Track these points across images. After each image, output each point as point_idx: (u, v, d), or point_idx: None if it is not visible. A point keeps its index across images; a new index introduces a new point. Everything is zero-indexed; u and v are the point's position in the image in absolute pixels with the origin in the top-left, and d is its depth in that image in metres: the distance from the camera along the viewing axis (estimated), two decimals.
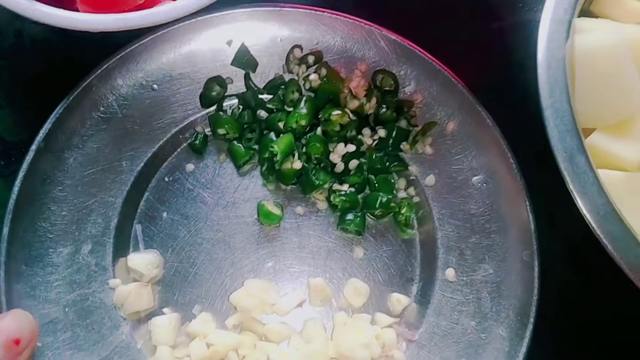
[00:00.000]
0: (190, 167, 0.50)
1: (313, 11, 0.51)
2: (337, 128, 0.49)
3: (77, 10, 0.45)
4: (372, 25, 0.51)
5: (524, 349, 0.45)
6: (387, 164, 0.50)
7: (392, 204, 0.49)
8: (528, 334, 0.44)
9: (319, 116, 0.49)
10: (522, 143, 0.49)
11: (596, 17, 0.49)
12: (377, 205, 0.49)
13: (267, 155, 0.48)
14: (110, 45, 0.49)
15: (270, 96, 0.51)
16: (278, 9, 0.51)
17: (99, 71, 0.48)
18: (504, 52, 0.57)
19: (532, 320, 0.45)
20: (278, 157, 0.47)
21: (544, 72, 0.44)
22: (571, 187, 0.41)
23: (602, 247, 0.40)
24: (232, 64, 0.51)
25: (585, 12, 0.49)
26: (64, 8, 0.45)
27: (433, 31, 0.53)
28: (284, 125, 0.49)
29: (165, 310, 0.46)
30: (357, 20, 0.51)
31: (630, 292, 0.40)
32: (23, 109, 0.54)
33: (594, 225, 0.40)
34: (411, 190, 0.51)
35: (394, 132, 0.50)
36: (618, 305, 0.50)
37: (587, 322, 0.50)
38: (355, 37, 0.51)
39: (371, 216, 0.50)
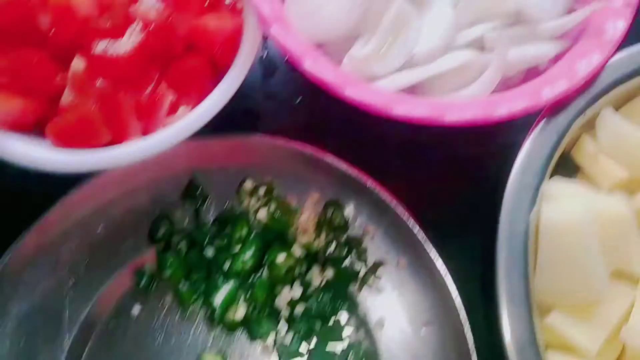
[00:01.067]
0: (135, 311, 0.48)
1: (267, 141, 0.49)
2: (283, 271, 0.47)
3: None
4: (325, 156, 0.49)
5: None
6: (336, 306, 0.47)
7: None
8: None
9: (264, 259, 0.48)
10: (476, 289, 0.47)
11: (575, 165, 0.48)
12: (321, 357, 0.46)
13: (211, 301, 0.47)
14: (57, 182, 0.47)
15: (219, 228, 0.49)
16: (231, 139, 0.50)
17: (49, 214, 0.47)
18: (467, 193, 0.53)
19: None
20: (218, 312, 0.46)
21: (503, 251, 0.42)
22: None
23: None
24: (181, 197, 0.50)
25: (565, 159, 0.48)
26: None
27: (392, 165, 0.52)
28: (229, 268, 0.47)
29: None
30: (312, 151, 0.49)
31: None
32: None
33: None
34: (360, 334, 0.48)
35: (345, 272, 0.48)
36: None
37: None
38: (309, 167, 0.50)
39: None
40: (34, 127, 0.47)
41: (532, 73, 0.50)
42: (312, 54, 0.45)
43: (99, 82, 0.46)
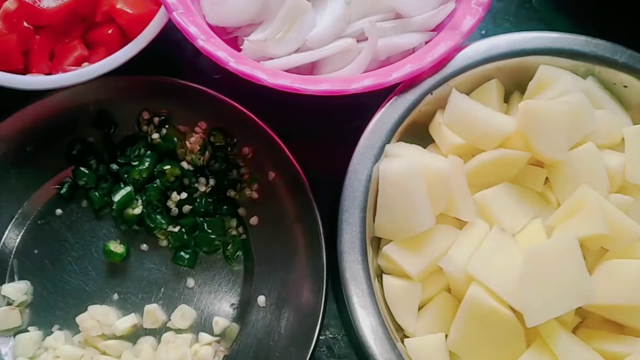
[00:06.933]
0: (58, 211, 0.61)
1: (168, 82, 0.60)
2: (172, 179, 0.60)
3: None
4: (217, 96, 0.59)
5: None
6: (217, 207, 0.60)
7: (217, 242, 0.59)
8: (309, 354, 0.53)
9: (155, 169, 0.60)
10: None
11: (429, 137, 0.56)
12: (204, 244, 0.59)
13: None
14: None
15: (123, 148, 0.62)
16: (136, 78, 0.60)
17: None
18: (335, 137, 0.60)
19: (314, 340, 0.53)
20: (115, 207, 0.58)
21: (347, 190, 0.52)
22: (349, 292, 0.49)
23: None
24: (93, 125, 0.62)
25: (421, 128, 0.56)
26: None
27: (283, 114, 0.59)
28: (128, 177, 0.60)
29: (30, 328, 0.58)
30: (206, 91, 0.59)
31: None
32: None
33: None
34: (241, 229, 0.61)
35: (224, 181, 0.60)
36: None
37: None
38: (203, 104, 0.60)
39: (202, 252, 0.60)
40: None
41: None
42: (205, 35, 0.54)
43: (24, 23, 0.58)
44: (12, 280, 0.59)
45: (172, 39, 0.62)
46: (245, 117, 0.60)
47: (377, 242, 0.54)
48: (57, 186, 0.62)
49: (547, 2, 0.73)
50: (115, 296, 0.59)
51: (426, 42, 0.58)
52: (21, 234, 0.61)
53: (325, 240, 0.56)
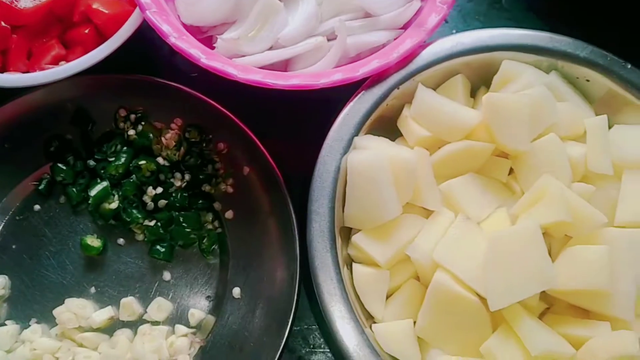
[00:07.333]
0: (37, 207, 0.62)
1: (145, 80, 0.61)
2: (147, 174, 0.61)
3: None
4: (193, 93, 0.60)
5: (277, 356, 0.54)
6: (192, 201, 0.61)
7: (193, 236, 0.60)
8: (282, 342, 0.54)
9: (131, 165, 0.61)
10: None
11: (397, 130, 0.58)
12: (180, 237, 0.60)
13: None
14: None
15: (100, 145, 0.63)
16: (115, 77, 0.61)
17: None
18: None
19: (287, 329, 0.55)
20: (91, 201, 0.59)
21: (317, 180, 0.54)
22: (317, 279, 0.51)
23: None
24: (71, 122, 0.63)
25: (389, 122, 0.58)
26: None
27: (257, 111, 0.61)
28: (104, 172, 0.61)
29: (7, 322, 0.59)
30: (182, 88, 0.60)
31: None
32: None
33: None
34: (216, 223, 0.62)
35: (200, 176, 0.62)
36: None
37: None
38: (178, 101, 0.61)
39: (178, 246, 0.61)
40: None
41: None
42: (178, 33, 0.56)
43: (2, 23, 0.60)
44: None
45: (148, 38, 0.64)
46: (220, 114, 0.61)
47: (347, 233, 0.56)
48: (35, 182, 0.63)
49: (518, 1, 0.75)
50: (93, 289, 0.60)
51: (394, 39, 0.60)
52: (0, 230, 0.62)
53: (299, 233, 0.57)
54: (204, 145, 0.62)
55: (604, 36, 0.60)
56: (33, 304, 0.59)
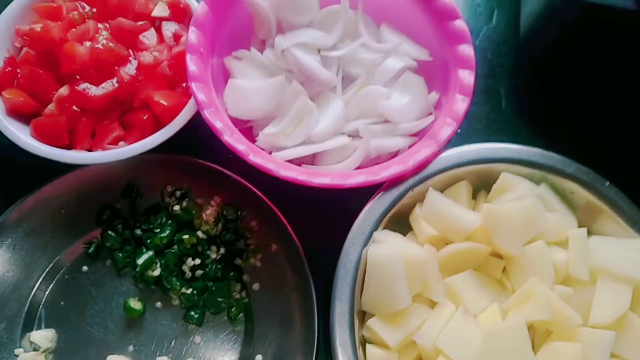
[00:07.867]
0: (85, 268, 0.70)
1: (189, 161, 0.71)
2: (188, 247, 0.69)
3: None
4: (230, 174, 0.70)
5: None
6: (225, 273, 0.69)
7: (223, 305, 0.68)
8: None
9: (175, 237, 0.69)
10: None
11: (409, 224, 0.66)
12: (212, 305, 0.68)
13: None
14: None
15: (147, 216, 0.71)
16: (162, 157, 0.70)
17: (29, 198, 0.68)
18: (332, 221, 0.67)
19: None
20: (138, 269, 0.67)
21: (341, 269, 0.62)
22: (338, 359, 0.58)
23: None
24: (122, 194, 0.71)
25: (403, 217, 0.67)
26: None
27: (287, 193, 0.68)
28: (150, 242, 0.69)
29: None
30: (221, 170, 0.70)
31: None
32: None
33: None
34: (243, 294, 0.69)
35: (233, 250, 0.70)
36: None
37: None
38: (218, 181, 0.70)
39: (209, 312, 0.69)
40: (25, 119, 0.70)
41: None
42: (230, 131, 0.64)
43: (73, 106, 0.69)
44: (39, 328, 0.67)
45: (193, 121, 0.72)
46: (253, 194, 0.70)
47: (362, 315, 0.64)
48: (85, 245, 0.70)
49: (512, 108, 0.86)
50: (131, 347, 0.67)
51: (409, 146, 0.70)
52: (50, 287, 0.69)
53: (318, 308, 0.65)
54: (239, 222, 0.71)
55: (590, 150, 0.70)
56: (77, 357, 0.66)
